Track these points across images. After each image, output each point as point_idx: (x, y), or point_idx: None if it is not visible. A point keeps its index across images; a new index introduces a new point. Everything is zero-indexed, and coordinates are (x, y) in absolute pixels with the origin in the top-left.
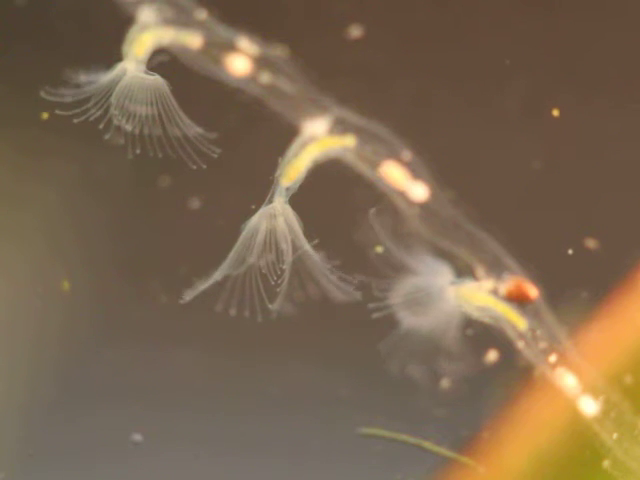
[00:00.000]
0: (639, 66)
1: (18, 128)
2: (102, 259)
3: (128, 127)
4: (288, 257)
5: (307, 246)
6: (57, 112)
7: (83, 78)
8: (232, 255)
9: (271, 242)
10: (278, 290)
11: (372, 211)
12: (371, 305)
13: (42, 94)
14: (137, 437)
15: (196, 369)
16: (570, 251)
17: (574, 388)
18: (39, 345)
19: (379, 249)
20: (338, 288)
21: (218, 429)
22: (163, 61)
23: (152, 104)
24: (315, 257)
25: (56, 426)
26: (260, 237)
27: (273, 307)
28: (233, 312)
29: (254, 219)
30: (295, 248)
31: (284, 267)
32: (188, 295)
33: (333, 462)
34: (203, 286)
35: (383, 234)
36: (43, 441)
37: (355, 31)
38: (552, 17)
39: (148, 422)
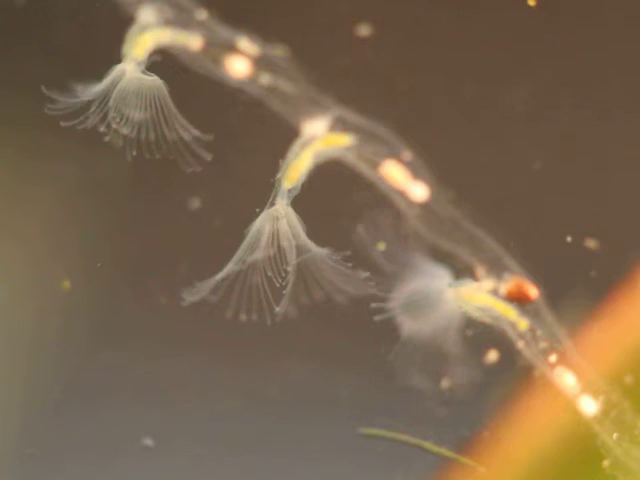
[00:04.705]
0: (639, 66)
1: (18, 128)
2: (102, 259)
3: (126, 130)
4: (292, 259)
5: (311, 246)
6: (61, 124)
7: (82, 80)
8: (235, 259)
9: (274, 245)
10: (283, 292)
11: (360, 226)
12: (373, 305)
13: (46, 109)
14: (147, 441)
15: (196, 369)
16: (569, 238)
17: (574, 388)
18: (39, 345)
19: (381, 246)
20: (350, 282)
21: (218, 429)
22: (161, 62)
23: (151, 106)
24: (320, 256)
25: (56, 426)
26: (263, 240)
27: (278, 309)
28: (243, 317)
29: (257, 222)
30: (298, 250)
31: (288, 269)
32: (189, 296)
33: (333, 462)
34: (205, 288)
35: (380, 238)
36: (43, 441)
37: (363, 30)
38: (552, 17)
39: (148, 422)
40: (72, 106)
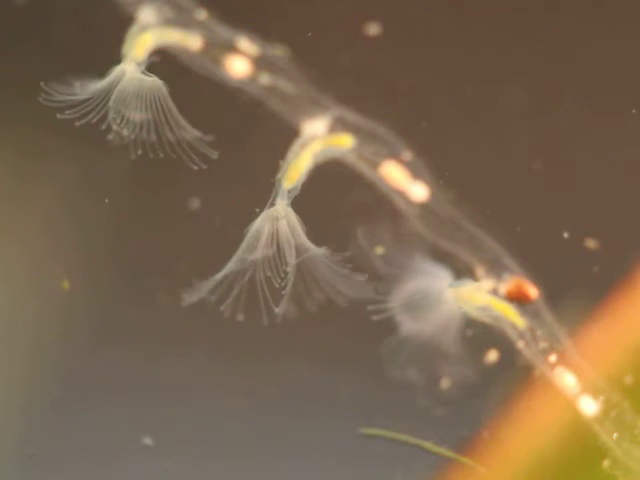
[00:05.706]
0: (639, 66)
1: (18, 128)
2: (102, 259)
3: (126, 131)
4: (292, 259)
5: (310, 247)
6: (57, 116)
7: (82, 79)
8: (235, 259)
9: (274, 245)
10: (283, 293)
11: (360, 227)
12: (371, 307)
13: (40, 98)
14: (147, 441)
15: (196, 369)
16: (566, 234)
17: (574, 388)
18: (39, 345)
19: (380, 250)
20: (349, 284)
21: (218, 429)
22: (161, 62)
23: (151, 106)
24: (319, 257)
25: (56, 426)
26: (263, 240)
27: (278, 310)
28: (241, 317)
29: (257, 222)
30: (298, 250)
31: (288, 269)
32: (188, 297)
33: (333, 462)
34: (204, 288)
35: (380, 238)
36: (43, 441)
37: (372, 29)
38: (552, 17)
39: (147, 422)
40: (72, 105)
